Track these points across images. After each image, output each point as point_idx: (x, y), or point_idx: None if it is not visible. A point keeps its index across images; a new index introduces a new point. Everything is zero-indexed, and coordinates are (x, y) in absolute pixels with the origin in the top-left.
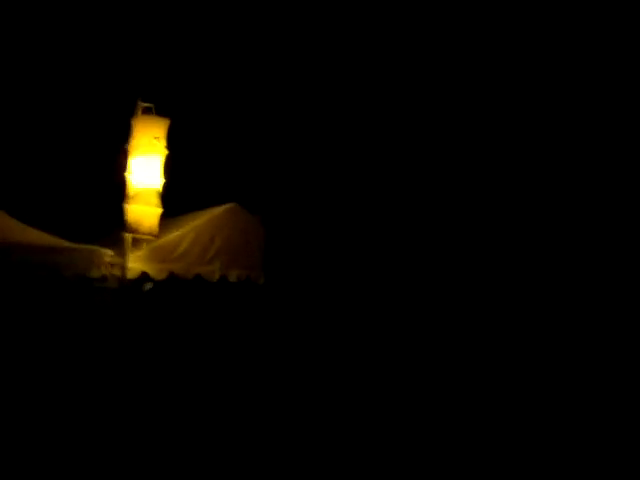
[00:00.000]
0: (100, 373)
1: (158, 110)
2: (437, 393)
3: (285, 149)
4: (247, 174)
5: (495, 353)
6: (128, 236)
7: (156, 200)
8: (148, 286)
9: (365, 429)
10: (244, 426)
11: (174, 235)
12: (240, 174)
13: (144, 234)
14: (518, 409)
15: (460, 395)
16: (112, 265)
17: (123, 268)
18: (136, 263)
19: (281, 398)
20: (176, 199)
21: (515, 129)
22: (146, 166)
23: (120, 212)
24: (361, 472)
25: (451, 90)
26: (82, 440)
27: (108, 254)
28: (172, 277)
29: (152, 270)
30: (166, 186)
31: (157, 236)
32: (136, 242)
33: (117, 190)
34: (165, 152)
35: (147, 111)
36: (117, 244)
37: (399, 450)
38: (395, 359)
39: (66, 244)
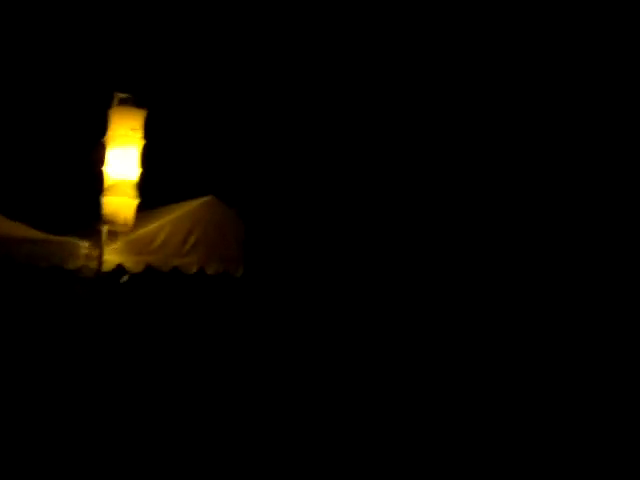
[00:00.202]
0: (76, 365)
1: (135, 101)
2: (424, 393)
3: (263, 141)
4: (224, 166)
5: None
6: (104, 228)
7: (132, 192)
8: (124, 278)
9: (342, 425)
10: (223, 417)
11: (151, 227)
12: (217, 166)
13: (120, 226)
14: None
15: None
16: (88, 257)
17: (99, 260)
18: (112, 255)
19: (259, 391)
20: (153, 191)
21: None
22: (123, 157)
23: (97, 204)
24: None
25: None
26: (58, 430)
27: (84, 246)
28: (149, 269)
29: (129, 262)
30: (143, 178)
31: (133, 228)
32: (112, 234)
33: (94, 182)
34: (142, 143)
35: (125, 102)
36: (94, 236)
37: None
38: (376, 352)
39: (42, 235)
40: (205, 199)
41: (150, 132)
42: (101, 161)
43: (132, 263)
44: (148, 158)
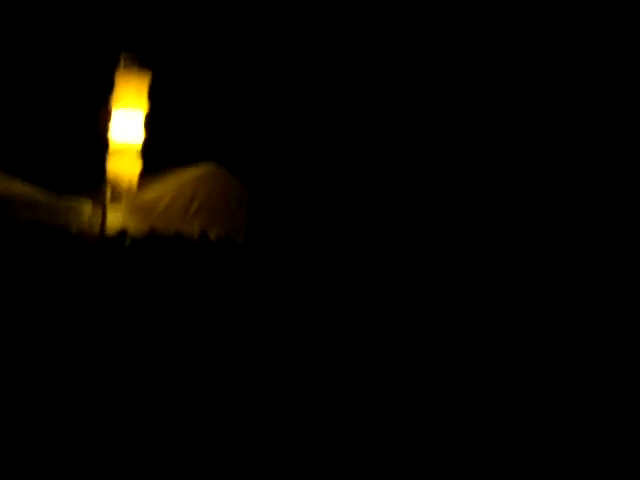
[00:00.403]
0: (77, 328)
1: (140, 62)
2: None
3: (269, 108)
4: (229, 133)
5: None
6: (108, 189)
7: (136, 155)
8: (127, 241)
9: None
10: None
11: (155, 192)
12: (222, 133)
13: (124, 189)
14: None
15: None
16: (92, 219)
17: (103, 223)
18: (116, 218)
19: (258, 361)
20: (157, 155)
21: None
22: (128, 120)
23: (101, 165)
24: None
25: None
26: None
27: (88, 207)
28: (152, 233)
29: (132, 225)
30: (147, 141)
31: (137, 192)
32: (116, 196)
33: (99, 143)
34: (147, 106)
35: (130, 62)
36: (97, 198)
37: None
38: (376, 327)
39: (46, 197)
40: (208, 165)
41: (155, 96)
42: (107, 123)
43: (135, 226)
44: (153, 122)
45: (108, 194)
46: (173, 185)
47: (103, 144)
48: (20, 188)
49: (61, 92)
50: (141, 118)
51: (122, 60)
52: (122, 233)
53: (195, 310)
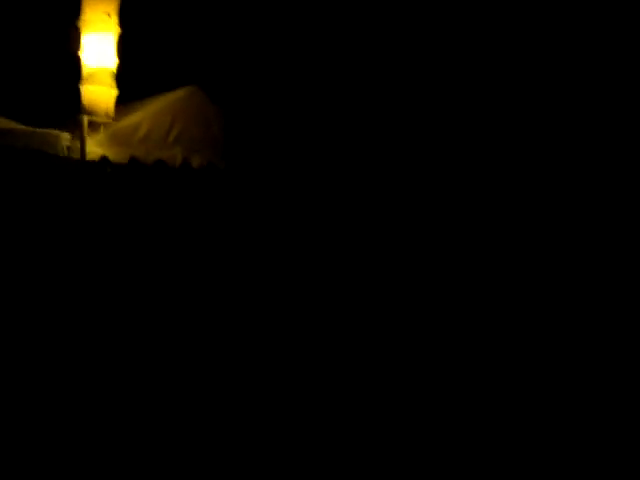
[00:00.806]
0: (59, 259)
1: None
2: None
3: (250, 30)
4: (208, 56)
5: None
6: (85, 118)
7: (111, 81)
8: (108, 168)
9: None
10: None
11: (133, 118)
12: (201, 56)
13: (101, 116)
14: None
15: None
16: (70, 149)
17: (82, 152)
18: (95, 147)
19: (243, 284)
20: (134, 82)
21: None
22: (99, 44)
23: (76, 94)
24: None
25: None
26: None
27: (66, 137)
28: (133, 161)
29: (112, 154)
30: (122, 67)
31: (115, 119)
32: (93, 125)
33: (71, 71)
34: (117, 29)
35: None
36: (75, 127)
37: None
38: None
39: (23, 128)
40: (187, 89)
41: (130, 18)
42: (77, 48)
43: (115, 155)
44: (127, 46)
45: (85, 122)
46: (152, 111)
47: (76, 71)
48: None
49: (30, 16)
50: (113, 42)
51: None
52: (102, 160)
53: (183, 236)
